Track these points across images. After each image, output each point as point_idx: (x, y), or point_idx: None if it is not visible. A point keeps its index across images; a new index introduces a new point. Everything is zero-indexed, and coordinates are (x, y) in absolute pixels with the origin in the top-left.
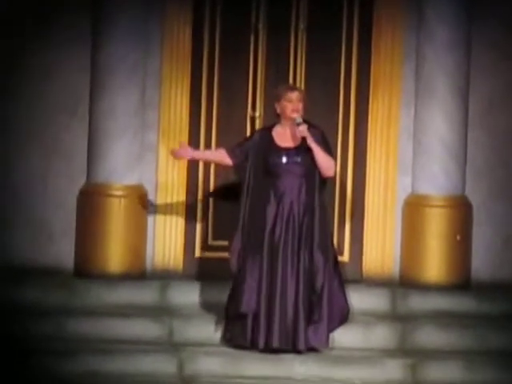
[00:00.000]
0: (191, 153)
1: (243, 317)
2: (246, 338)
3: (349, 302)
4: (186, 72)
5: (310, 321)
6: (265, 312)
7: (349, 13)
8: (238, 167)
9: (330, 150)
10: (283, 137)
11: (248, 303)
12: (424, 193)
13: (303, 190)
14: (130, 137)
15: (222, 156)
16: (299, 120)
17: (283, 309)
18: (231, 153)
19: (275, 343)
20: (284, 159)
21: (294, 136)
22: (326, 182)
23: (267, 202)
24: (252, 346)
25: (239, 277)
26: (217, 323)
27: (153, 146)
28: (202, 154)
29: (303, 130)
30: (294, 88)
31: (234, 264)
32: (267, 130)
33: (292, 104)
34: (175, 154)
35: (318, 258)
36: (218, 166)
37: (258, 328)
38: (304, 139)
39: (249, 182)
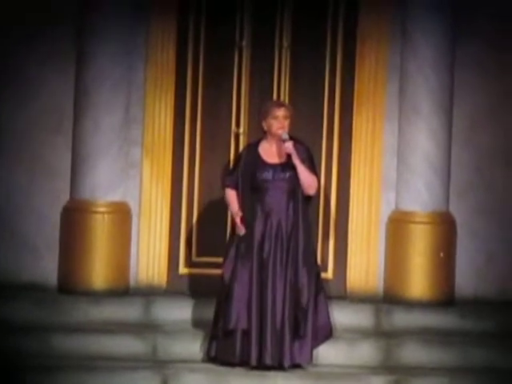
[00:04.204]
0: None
1: (232, 333)
2: (234, 355)
3: (331, 319)
4: (170, 88)
5: (295, 337)
6: (256, 329)
7: (333, 30)
8: None
9: (314, 168)
10: (270, 153)
11: (238, 320)
12: (408, 209)
13: (290, 207)
14: (114, 153)
15: (235, 195)
16: (285, 136)
17: (273, 325)
18: (232, 186)
19: (268, 360)
20: (271, 175)
21: (280, 152)
22: (310, 198)
23: (254, 218)
24: (241, 363)
25: (228, 293)
26: (201, 340)
27: (137, 162)
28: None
29: (289, 146)
30: (280, 104)
31: (226, 278)
32: (253, 146)
33: (278, 121)
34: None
35: (303, 274)
36: (202, 181)
37: (249, 345)
38: (290, 156)
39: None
